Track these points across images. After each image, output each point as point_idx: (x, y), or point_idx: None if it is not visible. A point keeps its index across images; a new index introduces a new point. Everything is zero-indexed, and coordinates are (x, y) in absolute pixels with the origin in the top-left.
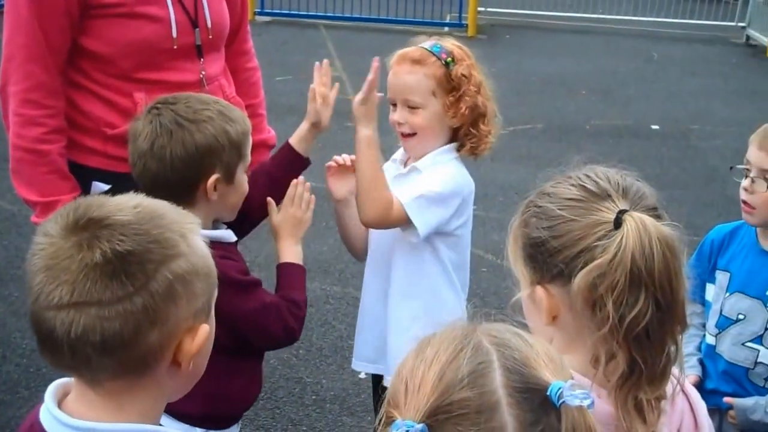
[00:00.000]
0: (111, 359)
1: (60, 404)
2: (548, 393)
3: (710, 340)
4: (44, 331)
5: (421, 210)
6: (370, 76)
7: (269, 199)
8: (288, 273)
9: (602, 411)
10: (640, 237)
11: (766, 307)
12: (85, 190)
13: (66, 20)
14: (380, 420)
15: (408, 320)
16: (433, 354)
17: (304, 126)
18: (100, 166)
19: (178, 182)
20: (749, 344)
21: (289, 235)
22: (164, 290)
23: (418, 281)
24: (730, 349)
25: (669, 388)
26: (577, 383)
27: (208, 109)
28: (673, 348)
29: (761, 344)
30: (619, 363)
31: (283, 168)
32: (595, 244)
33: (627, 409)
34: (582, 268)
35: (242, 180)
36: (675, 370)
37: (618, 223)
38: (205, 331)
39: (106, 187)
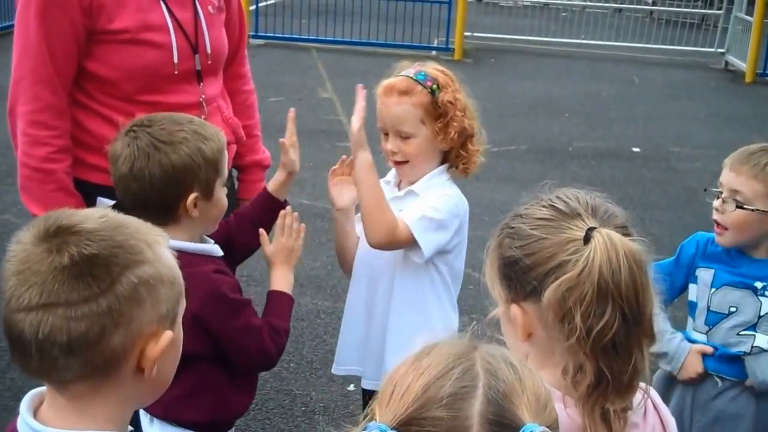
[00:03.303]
0: (77, 360)
1: (36, 413)
2: None
3: (700, 338)
4: (15, 335)
5: (426, 232)
6: (360, 103)
7: (261, 230)
8: (276, 300)
9: (575, 422)
10: (607, 251)
11: (756, 295)
12: (90, 206)
13: (73, 45)
14: (366, 414)
15: (407, 335)
16: (426, 365)
17: (280, 176)
18: (104, 182)
19: (159, 201)
20: (744, 332)
21: (282, 263)
22: (129, 293)
23: (421, 297)
24: (725, 341)
25: (636, 401)
26: (547, 430)
27: (183, 130)
28: (640, 360)
29: (755, 331)
30: (586, 373)
31: (264, 214)
32: (566, 259)
33: (594, 418)
34: (553, 283)
35: (221, 195)
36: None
37: (587, 239)
38: (168, 336)
39: (111, 202)
